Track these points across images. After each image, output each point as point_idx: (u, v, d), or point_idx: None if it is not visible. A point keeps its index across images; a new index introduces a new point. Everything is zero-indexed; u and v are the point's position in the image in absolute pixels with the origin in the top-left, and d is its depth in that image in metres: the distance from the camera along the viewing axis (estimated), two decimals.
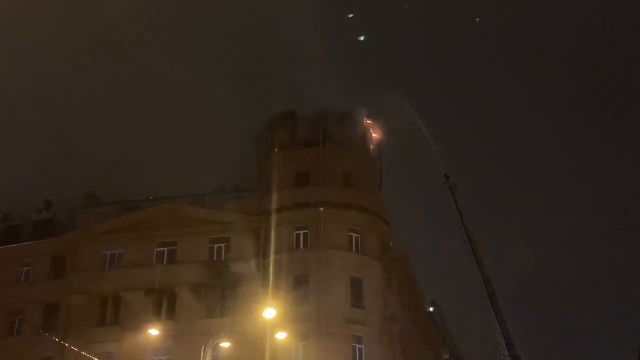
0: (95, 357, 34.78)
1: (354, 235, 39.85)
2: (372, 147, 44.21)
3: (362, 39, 54.79)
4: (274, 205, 40.04)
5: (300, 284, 38.21)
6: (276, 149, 42.93)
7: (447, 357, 57.43)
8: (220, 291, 39.44)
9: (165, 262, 40.73)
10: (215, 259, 40.50)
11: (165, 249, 40.91)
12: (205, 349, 29.53)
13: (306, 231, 39.61)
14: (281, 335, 34.35)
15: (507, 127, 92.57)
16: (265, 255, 39.13)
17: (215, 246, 40.69)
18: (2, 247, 43.80)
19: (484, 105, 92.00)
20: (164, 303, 39.57)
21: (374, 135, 44.48)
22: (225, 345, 32.66)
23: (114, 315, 40.18)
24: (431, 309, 54.52)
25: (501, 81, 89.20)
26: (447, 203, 38.95)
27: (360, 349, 37.24)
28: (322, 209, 39.47)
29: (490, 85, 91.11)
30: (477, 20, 72.10)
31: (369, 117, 44.16)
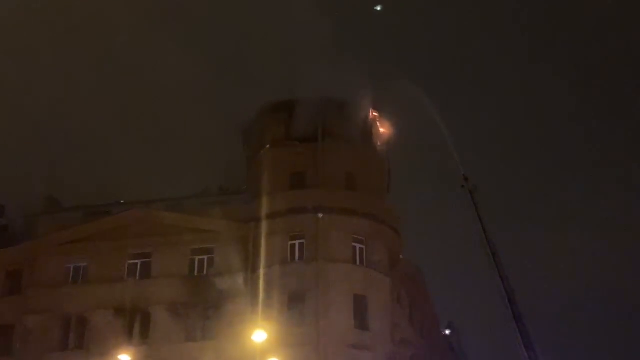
0: None
1: (358, 245, 39.61)
2: (379, 144, 43.98)
3: (377, 8, 52.81)
4: (265, 211, 39.73)
5: (295, 302, 37.93)
6: (267, 145, 42.63)
7: None
8: (202, 310, 39.14)
9: (137, 276, 40.53)
10: (196, 273, 40.32)
11: (138, 262, 40.74)
12: None
13: (302, 241, 39.37)
14: None
15: (536, 126, 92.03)
16: (255, 269, 38.80)
17: (197, 258, 40.51)
18: None
19: (513, 99, 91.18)
20: (136, 324, 39.16)
21: (382, 129, 44.20)
22: None
23: (77, 338, 39.78)
24: (447, 332, 54.32)
25: (539, 73, 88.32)
26: (466, 208, 38.64)
27: None
28: (320, 215, 39.28)
29: (523, 76, 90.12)
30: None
31: (376, 108, 43.84)
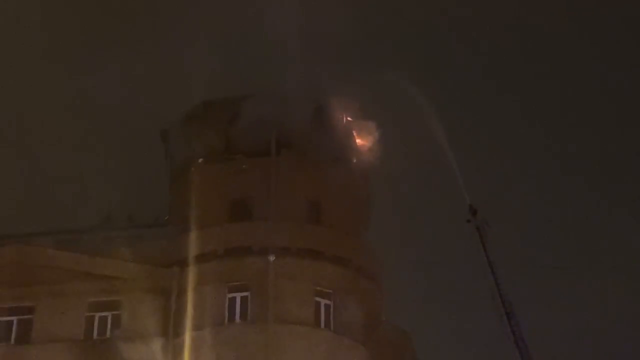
0: None
1: (323, 301, 40.43)
2: (356, 161, 45.19)
3: None
4: (194, 251, 40.34)
5: None
6: (200, 159, 43.71)
7: None
8: None
9: (12, 339, 40.74)
10: (95, 336, 40.60)
11: (14, 319, 40.86)
12: None
13: (245, 293, 40.00)
14: None
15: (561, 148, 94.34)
16: (178, 332, 39.38)
17: (96, 315, 40.86)
18: None
19: (533, 108, 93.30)
20: None
21: (359, 141, 45.49)
22: None
23: None
24: None
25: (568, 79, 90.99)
26: (473, 251, 39.61)
27: None
28: (272, 258, 39.90)
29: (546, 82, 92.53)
30: None
31: (353, 113, 45.10)
